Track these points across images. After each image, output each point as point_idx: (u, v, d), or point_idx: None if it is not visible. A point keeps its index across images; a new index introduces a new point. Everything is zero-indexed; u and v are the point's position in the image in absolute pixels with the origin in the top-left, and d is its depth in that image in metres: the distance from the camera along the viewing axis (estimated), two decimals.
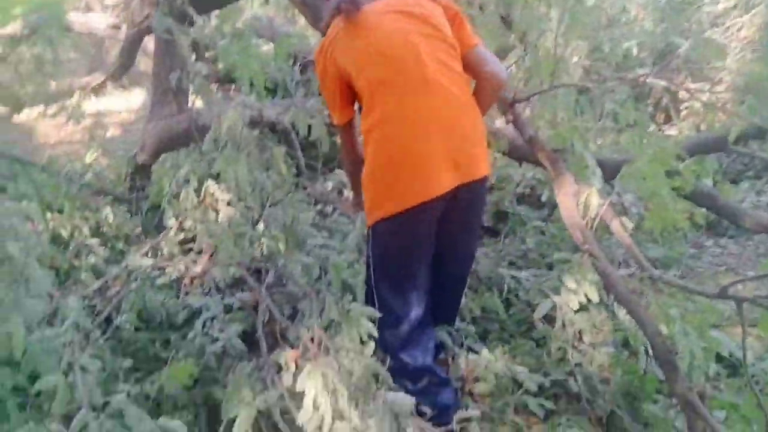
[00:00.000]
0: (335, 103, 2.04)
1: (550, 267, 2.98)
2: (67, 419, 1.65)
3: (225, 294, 2.91)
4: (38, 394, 1.84)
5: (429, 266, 2.02)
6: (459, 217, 2.01)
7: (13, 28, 5.99)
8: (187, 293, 2.99)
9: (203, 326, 2.47)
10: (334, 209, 2.85)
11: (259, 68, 4.22)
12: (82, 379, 1.68)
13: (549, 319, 2.52)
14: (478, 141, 1.99)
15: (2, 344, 1.79)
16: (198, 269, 3.15)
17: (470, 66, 2.01)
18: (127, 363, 2.14)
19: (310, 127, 2.73)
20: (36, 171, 2.10)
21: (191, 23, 3.66)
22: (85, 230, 2.85)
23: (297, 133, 3.13)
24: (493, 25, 3.73)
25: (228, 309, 2.71)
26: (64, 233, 2.78)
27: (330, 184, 3.51)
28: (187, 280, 3.08)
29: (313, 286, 2.32)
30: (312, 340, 1.76)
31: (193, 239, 3.35)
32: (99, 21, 6.26)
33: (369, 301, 2.01)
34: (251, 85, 4.02)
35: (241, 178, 2.61)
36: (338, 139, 2.27)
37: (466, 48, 2.01)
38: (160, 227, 3.53)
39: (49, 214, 2.95)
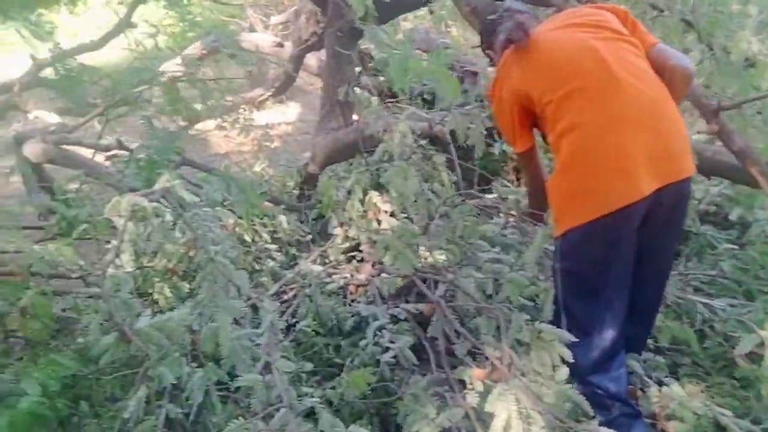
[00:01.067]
0: (515, 131, 2.05)
1: (748, 296, 2.64)
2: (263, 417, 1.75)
3: (389, 303, 2.97)
4: (237, 389, 1.98)
5: (627, 283, 1.87)
6: (661, 223, 1.84)
7: (192, 49, 6.70)
8: (352, 301, 3.08)
9: (374, 335, 2.51)
10: (507, 223, 2.76)
11: (418, 80, 4.28)
12: (279, 379, 1.76)
13: (753, 357, 2.21)
14: (681, 137, 1.84)
15: (209, 340, 1.95)
16: (362, 277, 3.24)
17: (654, 63, 1.92)
18: (308, 366, 2.22)
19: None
20: (229, 180, 2.29)
21: (359, 38, 3.81)
22: (265, 235, 3.05)
23: (456, 143, 3.12)
24: (672, 26, 3.44)
25: (395, 319, 2.74)
26: (247, 238, 3.00)
27: (490, 196, 3.43)
28: (352, 288, 3.18)
29: (486, 302, 2.25)
30: (500, 359, 1.69)
31: (356, 247, 3.46)
32: (264, 40, 6.77)
33: (557, 320, 1.90)
34: (411, 97, 4.09)
35: (409, 188, 2.63)
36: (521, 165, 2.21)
37: (647, 46, 1.95)
38: (324, 234, 3.70)
39: (230, 220, 3.18)
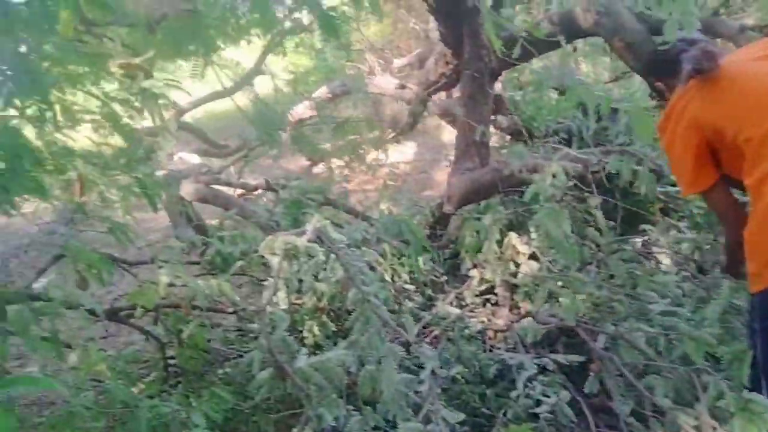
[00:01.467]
0: (691, 167, 1.85)
1: None
2: None
3: (532, 351, 2.81)
4: None
5: None
6: None
7: (319, 93, 7.04)
8: (491, 347, 2.96)
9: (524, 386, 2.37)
10: (679, 271, 2.53)
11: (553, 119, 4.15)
12: (443, 428, 1.69)
13: None
14: None
15: (366, 384, 1.93)
16: (500, 322, 3.11)
17: None
18: (460, 416, 2.13)
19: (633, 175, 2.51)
20: (400, 222, 2.31)
21: (495, 78, 3.78)
22: (404, 275, 3.04)
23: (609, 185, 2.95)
24: None
25: (541, 369, 2.59)
26: (387, 277, 3.00)
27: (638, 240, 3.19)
28: (490, 333, 3.06)
29: (658, 359, 2.04)
30: (697, 429, 1.50)
31: (491, 290, 3.35)
32: (387, 83, 6.97)
33: (756, 387, 1.67)
34: (547, 135, 3.97)
35: (560, 232, 2.49)
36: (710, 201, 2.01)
37: None
38: (456, 275, 3.62)
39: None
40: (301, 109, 6.49)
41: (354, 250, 2.62)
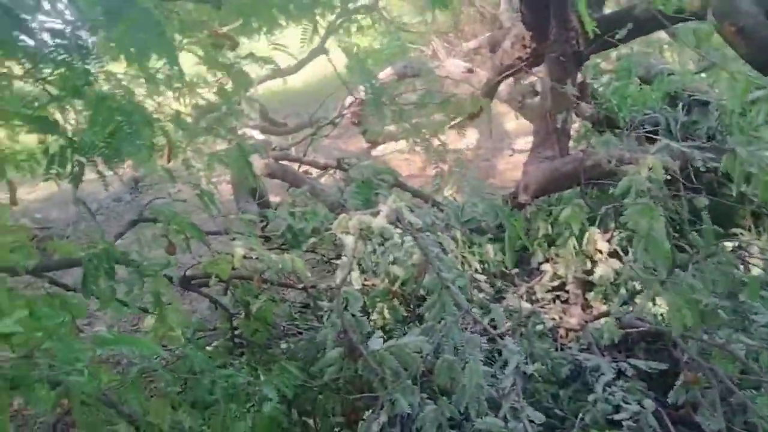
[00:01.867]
0: None
1: None
2: None
3: (606, 354, 2.67)
4: (471, 428, 1.86)
5: None
6: None
7: (383, 74, 6.94)
8: (563, 346, 2.83)
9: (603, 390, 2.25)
10: None
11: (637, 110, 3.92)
12: (528, 428, 1.60)
13: None
14: None
15: (444, 373, 1.85)
16: (573, 321, 2.98)
17: None
18: (539, 416, 2.03)
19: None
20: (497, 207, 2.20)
21: (581, 63, 3.59)
22: (475, 264, 2.94)
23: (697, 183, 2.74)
24: None
25: (618, 372, 2.45)
26: (458, 267, 2.90)
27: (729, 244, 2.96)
28: (562, 332, 2.93)
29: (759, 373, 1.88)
30: None
31: (562, 287, 3.21)
32: (455, 66, 6.80)
33: None
34: (632, 126, 3.75)
35: (653, 230, 2.33)
36: None
37: None
38: (525, 268, 3.49)
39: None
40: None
41: (428, 235, 2.54)
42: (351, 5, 6.55)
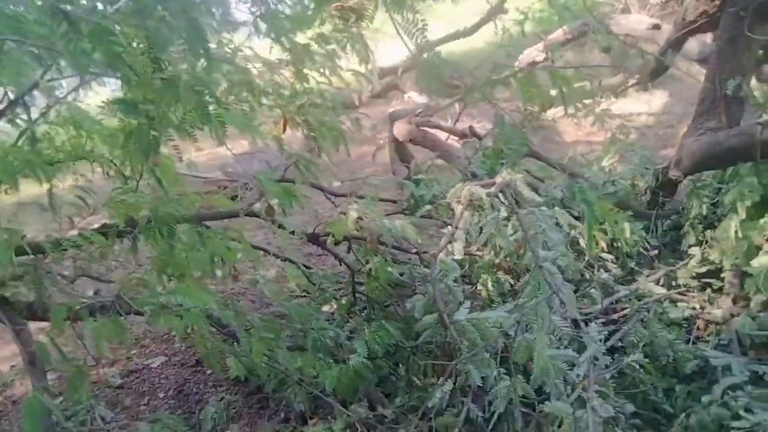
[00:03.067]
0: None
1: None
2: None
3: (750, 356, 2.34)
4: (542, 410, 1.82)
5: None
6: None
7: (557, 34, 6.52)
8: (697, 339, 2.54)
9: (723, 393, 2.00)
10: None
11: None
12: (593, 422, 1.52)
13: None
14: None
15: (522, 351, 1.82)
16: (717, 313, 2.64)
17: None
18: (629, 408, 1.90)
19: None
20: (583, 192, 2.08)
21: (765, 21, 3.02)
22: (602, 243, 2.74)
23: None
24: None
25: (754, 377, 2.14)
26: (581, 243, 2.74)
27: None
28: (701, 323, 2.62)
29: None
30: None
31: (715, 273, 2.83)
32: (639, 22, 6.12)
33: None
34: None
35: None
36: None
37: None
38: (675, 251, 3.14)
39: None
40: (533, 53, 6.13)
41: (544, 210, 2.44)
42: None
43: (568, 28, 6.50)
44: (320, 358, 2.03)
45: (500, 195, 2.35)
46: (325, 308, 3.18)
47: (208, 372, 3.51)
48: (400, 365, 2.30)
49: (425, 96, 7.03)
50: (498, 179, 2.41)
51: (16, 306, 2.28)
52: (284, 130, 2.23)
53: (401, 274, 2.58)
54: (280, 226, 2.65)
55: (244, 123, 1.85)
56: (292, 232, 2.57)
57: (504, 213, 2.31)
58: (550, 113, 7.81)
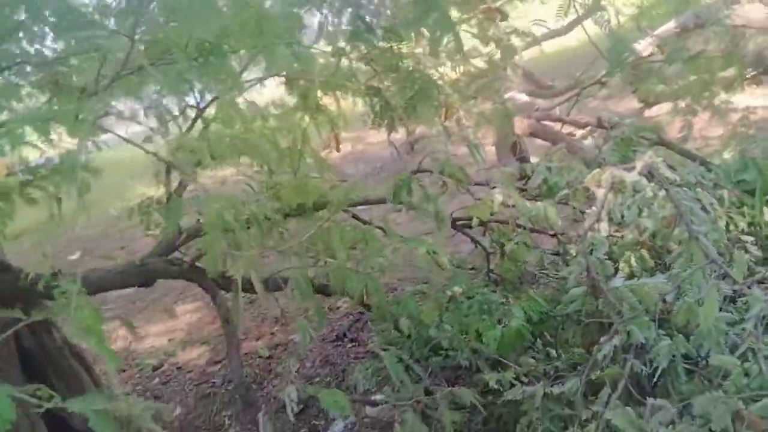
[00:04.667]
0: None
1: None
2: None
3: None
4: (705, 366, 1.96)
5: None
6: None
7: (665, 28, 6.44)
8: None
9: None
10: None
11: None
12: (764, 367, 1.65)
13: None
14: None
15: (683, 314, 1.98)
16: None
17: None
18: None
19: None
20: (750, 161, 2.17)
21: None
22: (742, 224, 2.80)
23: None
24: None
25: None
26: (720, 224, 2.81)
27: None
28: None
29: None
30: None
31: None
32: (754, 11, 5.95)
33: None
34: None
35: None
36: None
37: None
38: None
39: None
40: (642, 46, 6.10)
41: (686, 190, 2.56)
42: None
43: (676, 22, 6.42)
44: (484, 319, 2.27)
45: (644, 178, 2.50)
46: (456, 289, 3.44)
47: (349, 346, 3.87)
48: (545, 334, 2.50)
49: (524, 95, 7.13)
50: (639, 163, 2.56)
51: (215, 276, 2.67)
52: (446, 118, 2.50)
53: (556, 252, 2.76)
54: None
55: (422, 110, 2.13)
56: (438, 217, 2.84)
57: (650, 193, 2.45)
58: (657, 109, 7.69)
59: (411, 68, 2.02)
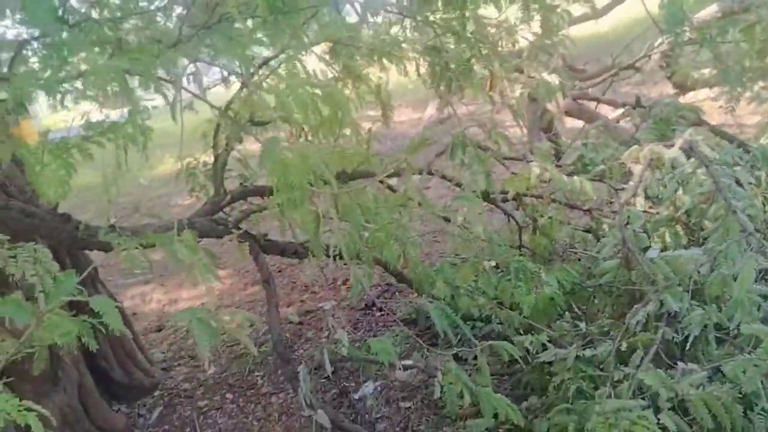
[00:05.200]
0: None
1: None
2: None
3: None
4: (737, 336, 2.01)
5: None
6: None
7: (706, 12, 6.30)
8: None
9: None
10: None
11: None
12: None
13: None
14: None
15: (716, 285, 2.02)
16: None
17: None
18: None
19: None
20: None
21: None
22: None
23: None
24: None
25: None
26: (756, 202, 2.82)
27: None
28: None
29: None
30: None
31: None
32: None
33: None
34: None
35: None
36: None
37: None
38: None
39: None
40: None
41: (724, 168, 2.58)
42: None
43: (717, 6, 6.28)
44: (519, 286, 2.34)
45: (682, 155, 2.53)
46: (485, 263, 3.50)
47: (378, 314, 3.97)
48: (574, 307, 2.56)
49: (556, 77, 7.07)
50: (679, 140, 2.59)
51: (257, 238, 2.79)
52: (491, 88, 2.55)
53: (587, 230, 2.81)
54: (458, 185, 3.00)
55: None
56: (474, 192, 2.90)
57: (689, 169, 2.48)
58: (693, 95, 7.55)
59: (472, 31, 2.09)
